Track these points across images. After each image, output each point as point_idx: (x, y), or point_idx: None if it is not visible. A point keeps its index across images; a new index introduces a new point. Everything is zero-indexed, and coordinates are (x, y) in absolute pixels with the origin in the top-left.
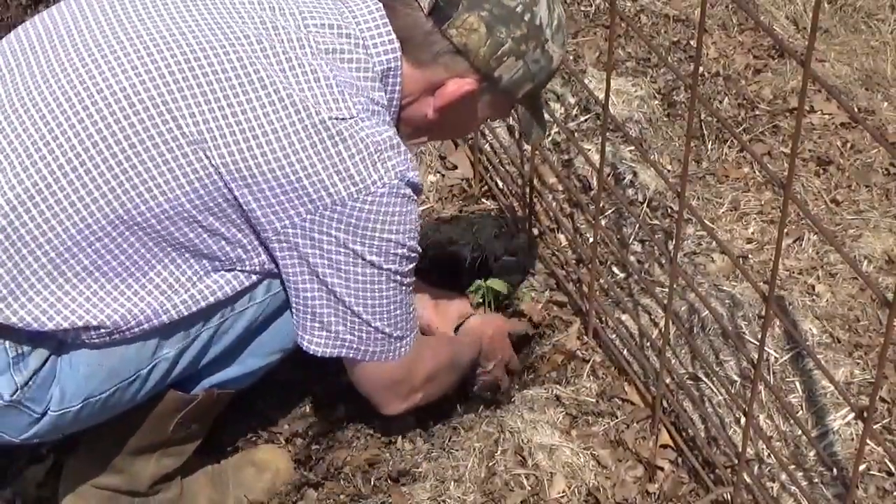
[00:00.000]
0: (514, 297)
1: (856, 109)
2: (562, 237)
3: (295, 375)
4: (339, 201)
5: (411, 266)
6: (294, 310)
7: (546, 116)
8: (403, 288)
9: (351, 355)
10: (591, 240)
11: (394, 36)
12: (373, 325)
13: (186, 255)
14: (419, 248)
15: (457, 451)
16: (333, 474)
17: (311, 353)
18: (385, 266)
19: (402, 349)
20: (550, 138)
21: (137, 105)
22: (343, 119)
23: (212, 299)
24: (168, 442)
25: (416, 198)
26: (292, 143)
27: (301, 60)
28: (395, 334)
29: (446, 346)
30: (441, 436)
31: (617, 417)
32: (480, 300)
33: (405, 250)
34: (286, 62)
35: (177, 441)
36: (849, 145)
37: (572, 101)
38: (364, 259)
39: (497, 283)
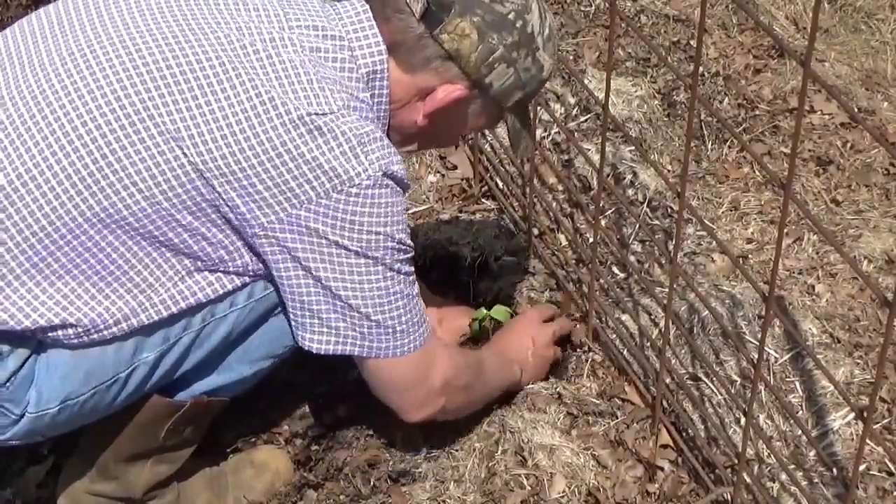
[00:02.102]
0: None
1: (856, 109)
2: (562, 237)
3: (295, 375)
4: (324, 194)
5: (406, 257)
6: (290, 309)
7: (546, 117)
8: (402, 278)
9: (356, 352)
10: (591, 240)
11: (380, 38)
12: (373, 318)
13: (167, 255)
14: (410, 242)
15: (457, 451)
16: (333, 475)
17: (314, 352)
18: (378, 258)
19: (412, 344)
20: (550, 138)
21: (114, 103)
22: (323, 114)
23: (192, 301)
24: (161, 448)
25: (400, 190)
26: (271, 139)
27: (282, 57)
28: (398, 328)
29: (467, 353)
30: (441, 436)
31: (617, 417)
32: (478, 329)
33: (395, 243)
34: (266, 59)
35: (170, 447)
36: (849, 145)
37: (572, 101)
38: (355, 252)
39: (499, 312)
